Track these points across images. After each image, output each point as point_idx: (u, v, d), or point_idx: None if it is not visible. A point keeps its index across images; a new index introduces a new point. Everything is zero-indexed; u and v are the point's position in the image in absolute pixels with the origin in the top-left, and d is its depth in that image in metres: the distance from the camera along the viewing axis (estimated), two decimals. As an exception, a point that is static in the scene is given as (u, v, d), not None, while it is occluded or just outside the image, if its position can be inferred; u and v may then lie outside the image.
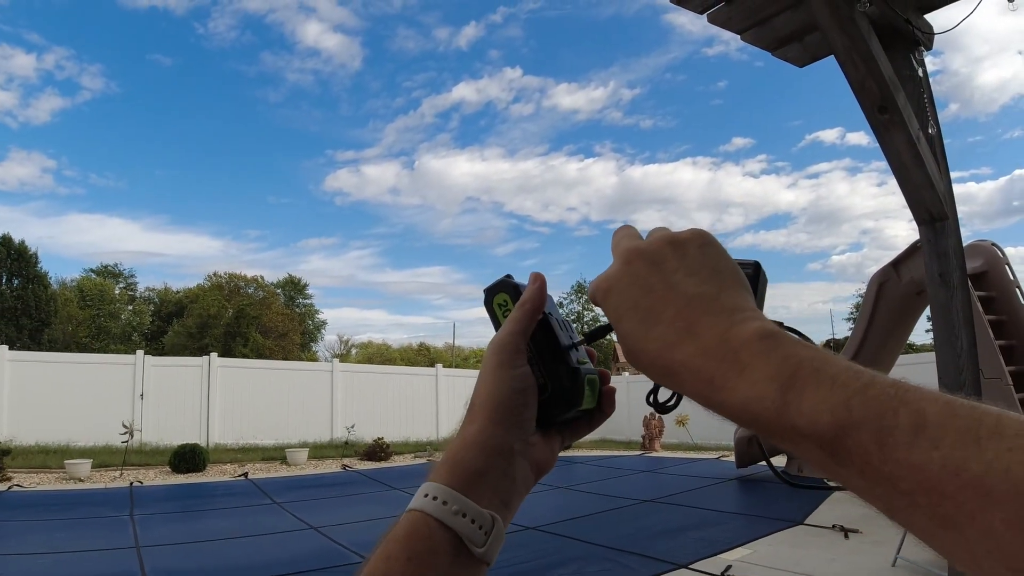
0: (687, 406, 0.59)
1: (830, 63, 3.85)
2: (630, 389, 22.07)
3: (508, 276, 0.64)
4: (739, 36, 4.16)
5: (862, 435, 0.37)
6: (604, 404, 0.62)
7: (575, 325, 0.66)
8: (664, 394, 0.58)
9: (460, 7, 69.44)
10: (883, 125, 3.45)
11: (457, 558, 0.48)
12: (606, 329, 0.58)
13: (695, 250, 0.51)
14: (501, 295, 0.62)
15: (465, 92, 69.27)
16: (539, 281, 0.60)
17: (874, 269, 9.33)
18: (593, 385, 0.61)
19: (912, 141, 3.44)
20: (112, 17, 56.33)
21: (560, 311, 0.64)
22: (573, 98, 71.33)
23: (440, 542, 0.47)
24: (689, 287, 0.49)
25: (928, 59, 4.26)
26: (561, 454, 0.61)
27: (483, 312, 0.64)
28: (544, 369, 0.58)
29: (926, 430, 0.35)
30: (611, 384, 0.63)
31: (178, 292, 45.95)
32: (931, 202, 3.75)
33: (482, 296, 0.64)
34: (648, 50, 73.56)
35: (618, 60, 76.00)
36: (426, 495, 0.49)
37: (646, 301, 0.49)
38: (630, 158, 72.06)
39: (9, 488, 10.21)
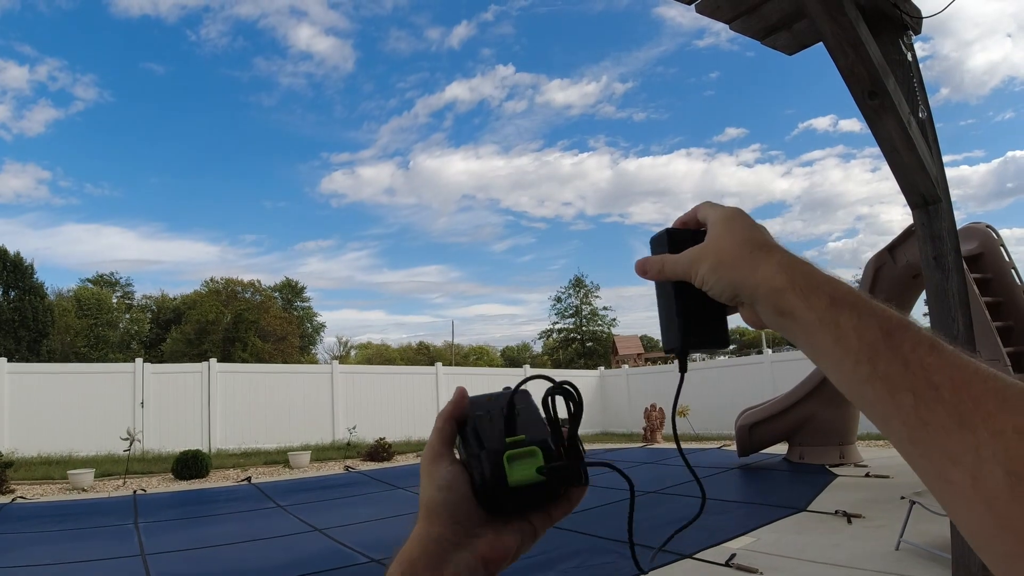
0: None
1: (820, 50, 3.86)
2: (630, 382, 22.10)
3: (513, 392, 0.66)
4: (727, 26, 4.16)
5: (922, 333, 0.46)
6: (568, 479, 0.63)
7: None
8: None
9: (451, 7, 69.31)
10: (873, 110, 3.45)
11: None
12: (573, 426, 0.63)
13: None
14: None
15: (458, 91, 69.22)
16: (456, 395, 0.65)
17: (870, 255, 9.36)
18: (527, 459, 0.59)
19: (903, 125, 3.45)
20: (104, 27, 56.18)
21: (531, 403, 0.66)
22: (566, 94, 71.28)
23: None
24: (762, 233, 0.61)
25: (918, 44, 4.27)
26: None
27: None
28: (469, 462, 0.61)
29: (960, 354, 0.44)
30: (584, 453, 0.65)
31: (175, 299, 45.92)
32: (923, 185, 3.76)
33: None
34: (639, 44, 73.50)
35: (610, 55, 75.95)
36: None
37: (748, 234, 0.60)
38: (624, 151, 72.07)
39: (13, 500, 10.21)
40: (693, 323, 0.64)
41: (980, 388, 0.40)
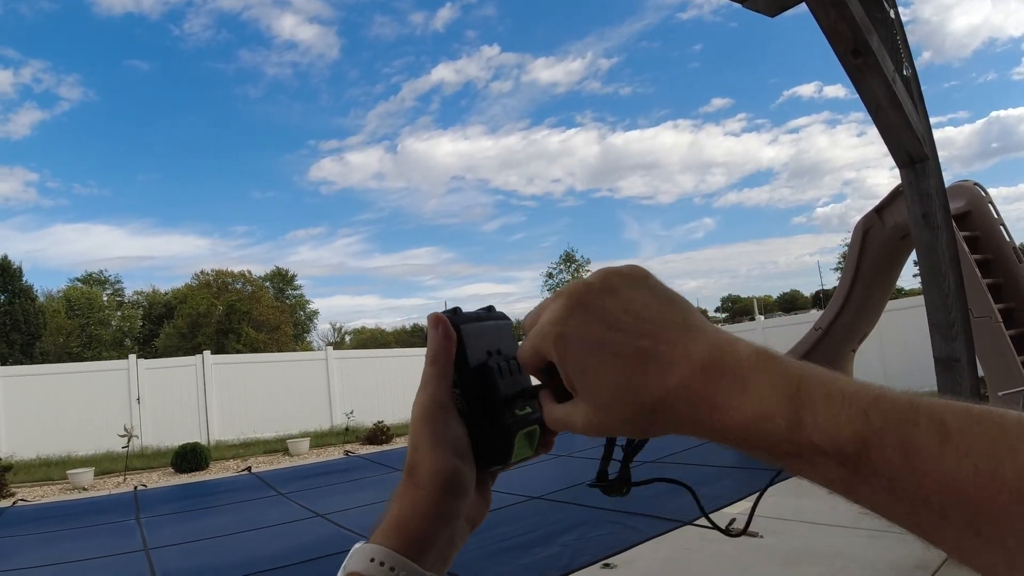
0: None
1: (802, 15, 3.82)
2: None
3: (455, 312, 0.56)
4: (708, -10, 4.11)
5: (886, 448, 0.34)
6: (540, 449, 0.58)
7: None
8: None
9: (434, -10, 68.70)
10: (858, 69, 3.43)
11: None
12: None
13: (641, 281, 0.46)
14: None
15: (444, 73, 68.84)
16: (440, 326, 0.53)
17: (858, 218, 9.34)
18: (531, 436, 0.56)
19: (888, 83, 3.42)
20: (87, 26, 55.55)
21: (512, 340, 0.58)
22: (551, 72, 70.95)
23: None
24: (654, 311, 0.44)
25: (899, 7, 4.23)
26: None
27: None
28: (471, 425, 0.54)
29: (951, 438, 0.33)
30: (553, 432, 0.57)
31: (166, 293, 45.69)
32: (910, 143, 3.75)
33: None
34: (622, 19, 73.23)
35: (593, 31, 75.63)
36: (372, 559, 0.48)
37: (614, 335, 0.44)
38: (611, 126, 72.02)
39: (14, 504, 10.20)
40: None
41: (989, 493, 0.31)
